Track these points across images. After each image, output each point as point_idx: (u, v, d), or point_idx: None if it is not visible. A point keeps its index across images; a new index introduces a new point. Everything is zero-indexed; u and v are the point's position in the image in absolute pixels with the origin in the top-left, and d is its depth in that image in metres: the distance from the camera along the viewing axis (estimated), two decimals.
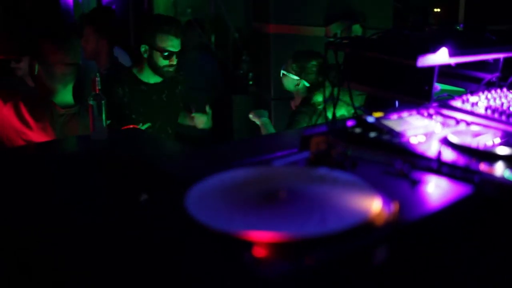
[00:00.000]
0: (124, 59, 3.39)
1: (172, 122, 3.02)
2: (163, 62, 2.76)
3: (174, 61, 2.77)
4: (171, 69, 2.79)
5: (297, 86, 3.12)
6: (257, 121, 3.27)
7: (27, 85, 2.52)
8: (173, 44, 2.75)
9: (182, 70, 3.12)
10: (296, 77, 3.10)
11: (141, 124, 2.79)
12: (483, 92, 1.67)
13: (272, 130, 3.21)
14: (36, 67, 2.21)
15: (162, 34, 2.72)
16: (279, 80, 3.29)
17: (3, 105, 2.16)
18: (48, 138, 2.18)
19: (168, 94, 2.94)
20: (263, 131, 3.23)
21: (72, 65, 2.26)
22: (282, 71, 3.19)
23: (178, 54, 2.79)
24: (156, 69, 2.79)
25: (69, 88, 2.28)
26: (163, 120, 2.92)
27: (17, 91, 2.24)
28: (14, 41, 2.60)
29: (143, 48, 2.77)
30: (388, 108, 1.49)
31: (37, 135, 2.18)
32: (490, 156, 1.19)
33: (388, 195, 0.99)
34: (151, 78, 2.85)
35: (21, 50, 2.42)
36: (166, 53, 2.73)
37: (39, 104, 2.20)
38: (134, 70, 2.86)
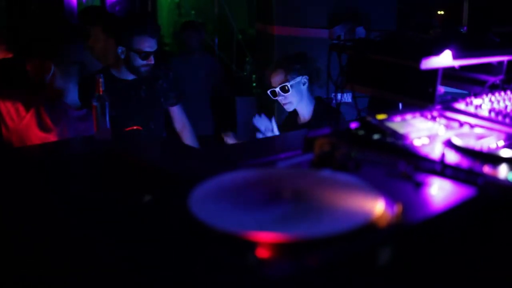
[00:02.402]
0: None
1: (154, 117, 3.02)
2: (140, 62, 2.79)
3: (152, 61, 2.80)
4: (148, 68, 2.81)
5: (304, 86, 2.98)
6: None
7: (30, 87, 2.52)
8: (150, 45, 2.78)
9: (168, 69, 3.11)
10: (300, 77, 2.96)
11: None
12: (486, 95, 1.67)
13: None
14: (52, 67, 2.21)
15: (138, 35, 2.75)
16: None
17: (26, 113, 2.16)
18: None
19: (147, 90, 2.95)
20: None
21: (78, 63, 2.27)
22: (286, 84, 2.93)
23: (155, 54, 2.82)
24: (133, 69, 2.82)
25: (76, 87, 2.29)
26: (144, 116, 2.93)
27: (36, 95, 2.23)
28: (23, 42, 2.61)
29: (119, 49, 2.80)
30: (392, 110, 1.49)
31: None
32: (493, 159, 1.19)
33: (391, 197, 0.99)
34: (128, 75, 2.88)
35: (31, 50, 2.43)
36: (143, 54, 2.76)
37: (57, 107, 2.20)
38: (112, 69, 2.89)
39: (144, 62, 2.78)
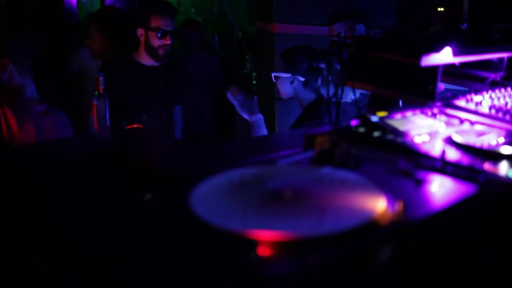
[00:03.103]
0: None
1: (167, 109, 3.14)
2: (158, 42, 2.92)
3: (169, 41, 2.95)
4: (166, 49, 2.95)
5: (292, 84, 2.95)
6: (248, 118, 2.99)
7: None
8: (166, 24, 2.93)
9: (182, 65, 3.18)
10: (287, 75, 2.95)
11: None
12: (487, 92, 1.67)
13: (264, 131, 2.90)
14: (10, 65, 2.21)
15: (155, 14, 2.92)
16: None
17: None
18: (31, 140, 2.18)
19: (165, 79, 3.08)
20: (254, 132, 2.97)
21: (31, 58, 2.29)
22: (273, 75, 3.02)
23: (173, 34, 2.97)
24: (153, 50, 2.96)
25: (32, 82, 2.29)
26: (158, 105, 3.05)
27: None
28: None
29: (138, 32, 2.96)
30: (392, 108, 1.49)
31: (22, 139, 2.17)
32: (494, 156, 1.19)
33: (392, 195, 0.99)
34: (148, 61, 3.02)
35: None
36: (160, 32, 2.90)
37: (20, 104, 2.20)
38: (133, 54, 3.04)
39: (162, 41, 2.92)
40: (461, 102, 1.57)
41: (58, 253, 0.87)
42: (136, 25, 2.98)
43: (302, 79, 2.93)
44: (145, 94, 2.99)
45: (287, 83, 2.98)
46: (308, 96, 2.98)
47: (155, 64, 3.03)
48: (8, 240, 0.96)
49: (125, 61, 3.01)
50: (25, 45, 2.32)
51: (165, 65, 3.05)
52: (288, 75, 2.95)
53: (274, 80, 3.05)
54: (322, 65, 2.98)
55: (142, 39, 2.96)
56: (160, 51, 2.95)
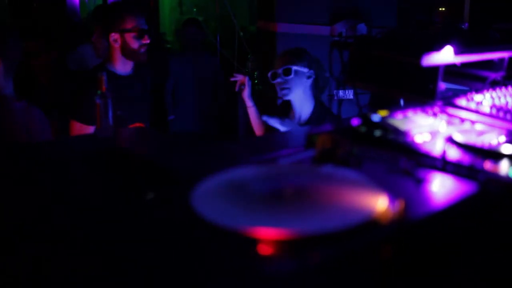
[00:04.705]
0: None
1: (146, 116, 3.02)
2: (137, 43, 2.78)
3: (148, 40, 2.80)
4: (145, 49, 2.81)
5: (308, 80, 2.91)
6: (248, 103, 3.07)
7: None
8: (142, 22, 2.80)
9: (180, 67, 3.14)
10: (307, 69, 2.90)
11: None
12: (488, 91, 1.68)
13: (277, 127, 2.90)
14: (2, 64, 2.22)
15: (129, 15, 2.77)
16: None
17: None
18: (8, 137, 2.17)
19: (141, 86, 2.96)
20: (254, 119, 3.07)
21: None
22: (291, 67, 2.85)
23: (150, 32, 2.83)
24: (132, 53, 2.80)
25: (11, 80, 2.30)
26: (138, 113, 2.93)
27: None
28: None
29: (112, 37, 2.79)
30: (393, 107, 1.50)
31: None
32: (495, 155, 1.19)
33: (393, 193, 0.99)
34: (123, 69, 2.85)
35: None
36: (139, 32, 2.76)
37: (1, 102, 2.20)
38: (106, 64, 2.86)
39: (141, 41, 2.78)
40: (462, 102, 1.58)
41: (58, 253, 0.88)
42: (107, 31, 2.80)
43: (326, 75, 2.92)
44: (123, 104, 2.81)
45: (303, 78, 2.89)
46: (309, 98, 2.96)
47: (130, 72, 2.89)
48: (8, 240, 0.96)
49: (100, 71, 2.88)
50: (17, 45, 2.33)
51: (141, 71, 2.92)
52: (306, 69, 2.89)
53: (279, 79, 2.91)
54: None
55: (116, 45, 2.79)
56: (141, 50, 2.81)
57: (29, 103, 2.30)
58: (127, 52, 2.80)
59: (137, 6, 2.85)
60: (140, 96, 2.96)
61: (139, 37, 2.77)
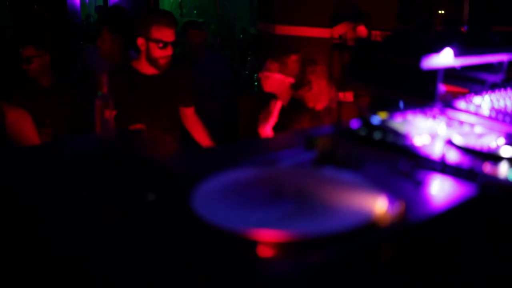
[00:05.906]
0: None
1: (171, 115, 3.12)
2: (159, 53, 2.90)
3: (170, 52, 2.92)
4: (166, 59, 2.93)
5: (282, 85, 3.02)
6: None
7: None
8: (167, 35, 2.90)
9: (188, 66, 3.18)
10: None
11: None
12: (487, 94, 1.68)
13: None
14: None
15: (156, 26, 2.88)
16: None
17: None
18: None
19: (167, 86, 3.04)
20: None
21: None
22: (264, 72, 3.07)
23: (173, 45, 2.94)
24: (153, 61, 2.93)
25: None
26: (161, 112, 3.03)
27: None
28: None
29: (139, 41, 2.93)
30: (393, 109, 1.50)
31: None
32: (494, 158, 1.20)
33: (392, 196, 1.00)
34: (149, 69, 2.98)
35: None
36: (161, 44, 2.88)
37: None
38: (133, 63, 3.01)
39: (163, 52, 2.90)
40: (461, 104, 1.58)
41: (58, 253, 0.88)
42: (136, 34, 2.94)
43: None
44: (146, 102, 2.96)
45: (276, 84, 3.04)
46: None
47: (156, 72, 2.99)
48: (8, 240, 0.96)
49: (125, 70, 2.98)
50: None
51: (167, 72, 3.01)
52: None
53: (263, 77, 3.07)
54: None
55: (143, 48, 2.94)
56: (161, 61, 2.92)
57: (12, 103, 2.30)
58: (149, 58, 2.93)
59: (167, 19, 2.93)
60: (165, 95, 3.04)
61: (162, 47, 2.89)
